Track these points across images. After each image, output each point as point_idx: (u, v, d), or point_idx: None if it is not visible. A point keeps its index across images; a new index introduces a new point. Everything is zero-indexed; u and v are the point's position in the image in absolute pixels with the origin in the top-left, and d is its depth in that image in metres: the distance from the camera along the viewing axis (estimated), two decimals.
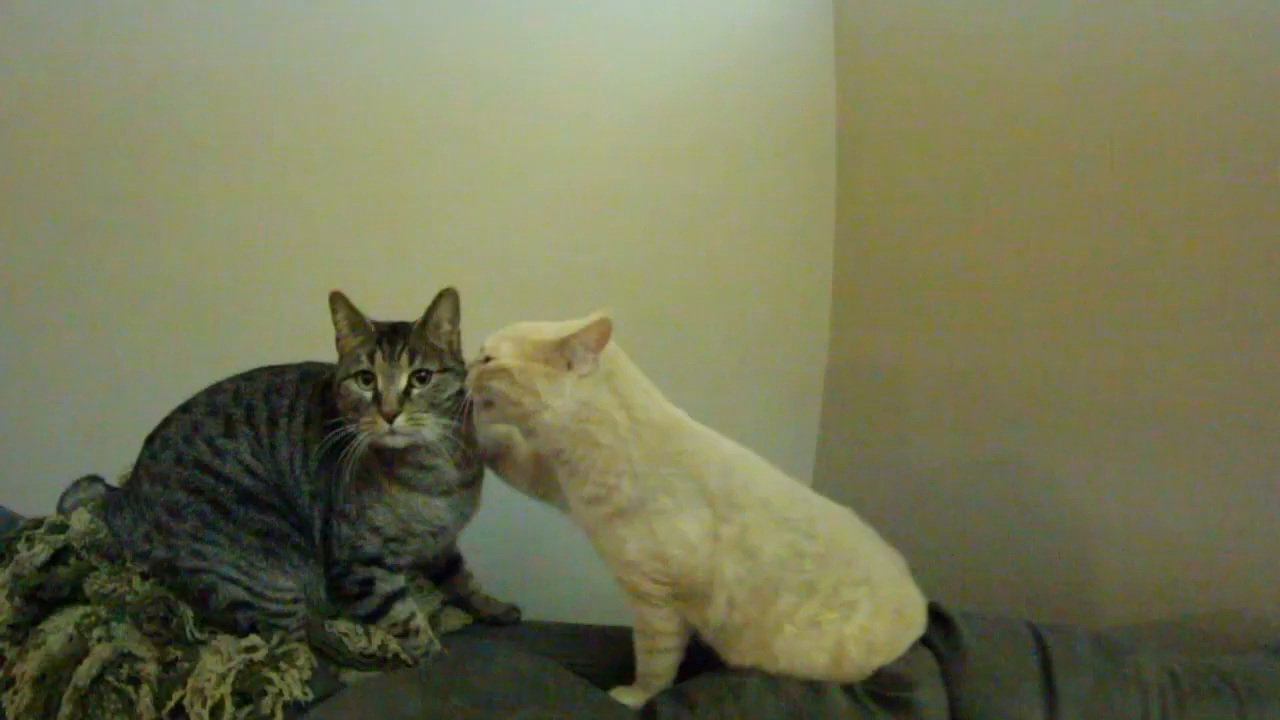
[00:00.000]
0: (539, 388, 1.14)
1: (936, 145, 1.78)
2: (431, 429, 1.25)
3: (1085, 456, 1.48)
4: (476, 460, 1.39)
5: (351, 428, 1.24)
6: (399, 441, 1.24)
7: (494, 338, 1.20)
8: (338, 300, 1.30)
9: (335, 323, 1.31)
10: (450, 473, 1.34)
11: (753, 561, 1.13)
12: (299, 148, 1.89)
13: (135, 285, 1.87)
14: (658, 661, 1.22)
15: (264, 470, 1.31)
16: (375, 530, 1.32)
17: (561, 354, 1.14)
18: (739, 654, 1.17)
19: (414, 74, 1.89)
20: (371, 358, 1.26)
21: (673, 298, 1.97)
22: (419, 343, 1.29)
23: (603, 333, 1.13)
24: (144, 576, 1.32)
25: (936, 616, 1.20)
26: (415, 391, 1.26)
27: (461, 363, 1.32)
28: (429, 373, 1.27)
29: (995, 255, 1.64)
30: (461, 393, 1.27)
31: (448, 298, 1.31)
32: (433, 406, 1.26)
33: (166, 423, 1.36)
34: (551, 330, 1.17)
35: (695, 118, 1.99)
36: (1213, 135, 1.27)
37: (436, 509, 1.34)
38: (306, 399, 1.35)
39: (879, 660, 1.14)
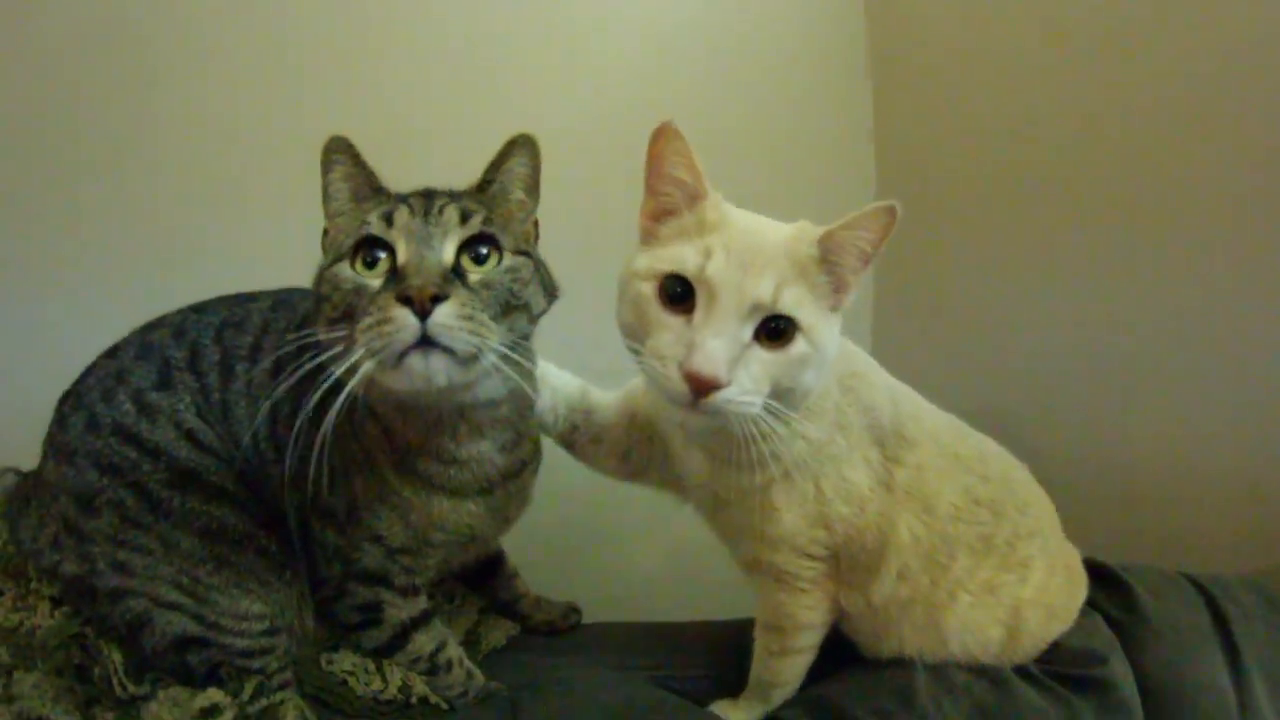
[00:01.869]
0: (824, 337, 0.78)
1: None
2: (497, 347, 0.77)
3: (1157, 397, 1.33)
4: (531, 436, 0.97)
5: (340, 355, 0.76)
6: (436, 373, 0.75)
7: (744, 261, 0.75)
8: (337, 152, 0.84)
9: (327, 194, 0.85)
10: (494, 458, 0.91)
11: (930, 515, 0.92)
12: (279, 66, 1.53)
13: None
14: (788, 666, 0.98)
15: (212, 439, 0.90)
16: (375, 539, 0.91)
17: (828, 267, 0.78)
18: (896, 640, 0.97)
19: None
20: (389, 219, 0.80)
21: None
22: (476, 202, 0.84)
23: (887, 234, 0.77)
24: (55, 602, 0.93)
25: (1094, 572, 1.07)
26: (473, 276, 0.79)
27: (546, 269, 0.90)
28: (496, 245, 0.81)
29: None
30: (544, 312, 0.86)
31: (522, 149, 0.87)
32: (503, 313, 0.80)
33: (86, 373, 0.95)
34: (781, 229, 0.80)
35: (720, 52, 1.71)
36: None
37: (467, 514, 0.93)
38: (278, 337, 0.92)
39: (1057, 629, 0.99)
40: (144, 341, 0.94)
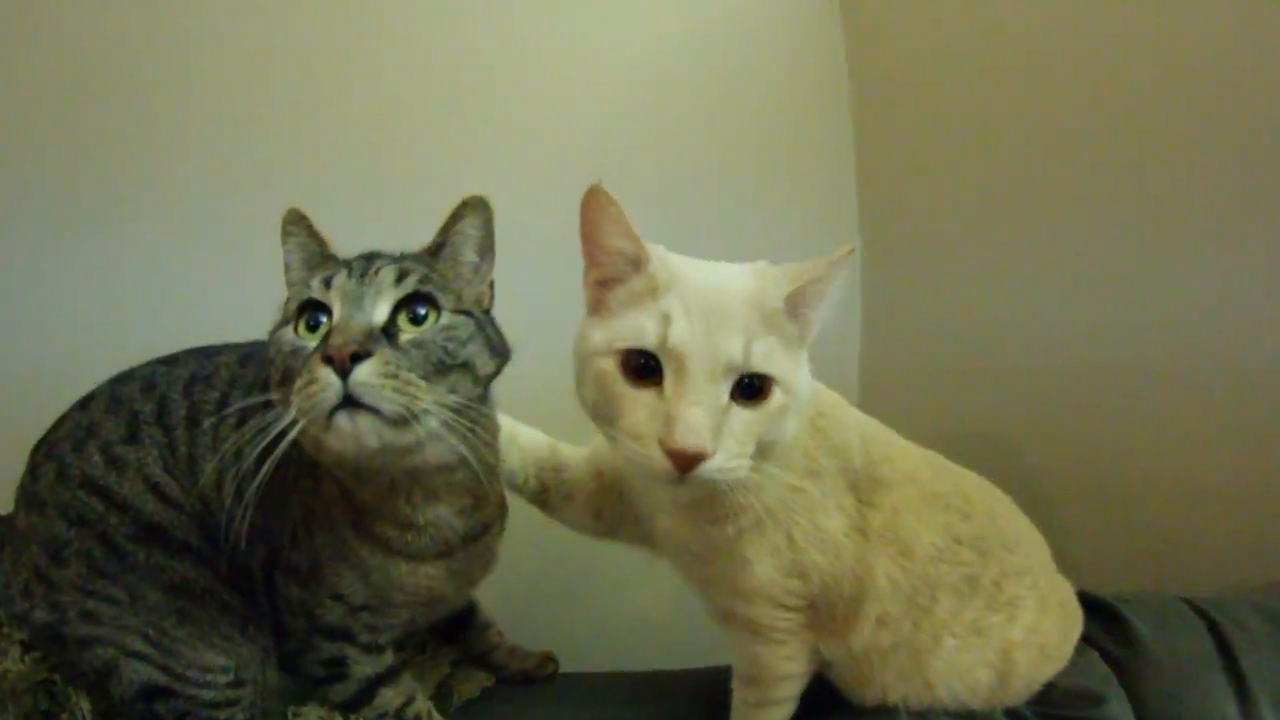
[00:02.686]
0: (799, 381, 0.74)
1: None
2: (431, 409, 0.75)
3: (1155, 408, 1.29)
4: (495, 496, 0.95)
5: (281, 409, 0.75)
6: (365, 434, 0.73)
7: (709, 323, 0.69)
8: (292, 224, 0.86)
9: (285, 263, 0.87)
10: (452, 523, 0.90)
11: (908, 559, 0.87)
12: (273, 112, 1.50)
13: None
14: (766, 717, 0.93)
15: (178, 493, 0.89)
16: (337, 597, 0.90)
17: (794, 315, 0.74)
18: (880, 687, 0.92)
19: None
20: (328, 282, 0.80)
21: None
22: (419, 264, 0.83)
23: (848, 271, 0.74)
24: (25, 647, 0.93)
25: (1088, 605, 1.03)
26: (405, 336, 0.78)
27: (496, 329, 0.88)
28: (432, 303, 0.80)
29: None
30: (494, 374, 0.84)
31: (473, 210, 0.85)
32: (438, 373, 0.77)
33: (58, 423, 0.95)
34: (737, 277, 0.76)
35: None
36: None
37: (426, 576, 0.91)
38: (244, 391, 0.91)
39: (1050, 670, 0.95)
40: (114, 394, 0.94)
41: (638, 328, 0.69)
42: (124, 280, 1.40)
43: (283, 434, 0.74)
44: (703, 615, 0.98)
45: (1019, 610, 0.93)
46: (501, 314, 0.90)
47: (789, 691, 0.93)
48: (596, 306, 0.76)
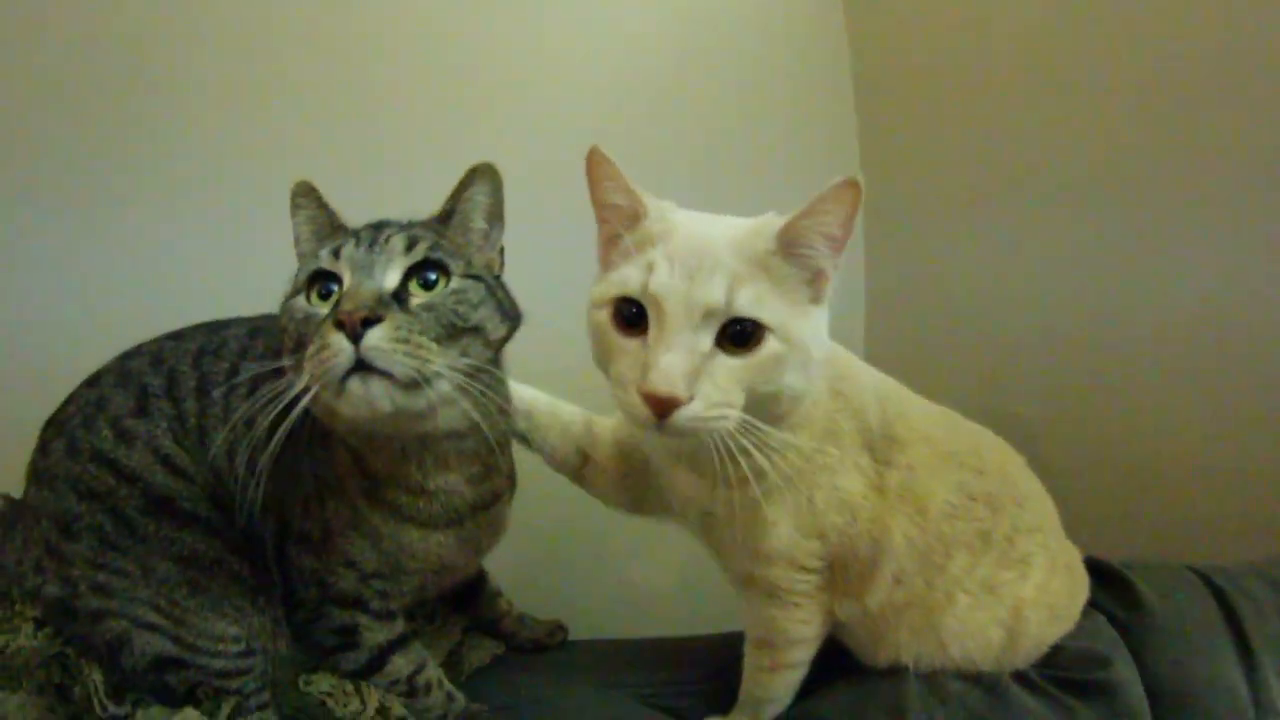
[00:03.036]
0: (802, 332, 0.70)
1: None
2: (443, 371, 0.75)
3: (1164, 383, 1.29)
4: (505, 466, 0.95)
5: (293, 376, 0.75)
6: (377, 398, 0.73)
7: (690, 267, 0.68)
8: (301, 196, 0.86)
9: (295, 236, 0.87)
10: (462, 490, 0.90)
11: (923, 517, 0.87)
12: (278, 91, 1.48)
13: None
14: (780, 681, 0.94)
15: (188, 464, 0.89)
16: (349, 564, 0.91)
17: (791, 260, 0.71)
18: (893, 646, 0.92)
19: None
20: (337, 252, 0.80)
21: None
22: (428, 231, 0.84)
23: (853, 211, 0.69)
24: (38, 623, 0.92)
25: (1095, 570, 1.03)
26: (416, 300, 0.78)
27: (507, 293, 0.88)
28: (442, 269, 0.80)
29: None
30: (505, 338, 0.85)
31: (482, 177, 0.85)
32: (449, 337, 0.77)
33: (67, 401, 0.95)
34: (739, 224, 0.74)
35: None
36: None
37: (437, 544, 0.92)
38: (256, 362, 0.91)
39: (1058, 630, 0.95)
40: (123, 369, 0.94)
41: (624, 277, 0.69)
42: (129, 261, 1.40)
43: (295, 401, 0.74)
44: (709, 584, 0.99)
45: (1030, 568, 0.93)
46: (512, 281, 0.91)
47: (802, 655, 0.93)
48: (604, 266, 0.77)
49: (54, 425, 0.94)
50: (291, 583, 0.92)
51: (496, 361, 0.85)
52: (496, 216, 0.88)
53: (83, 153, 1.37)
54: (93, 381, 0.94)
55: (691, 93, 1.62)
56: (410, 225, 0.85)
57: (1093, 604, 1.00)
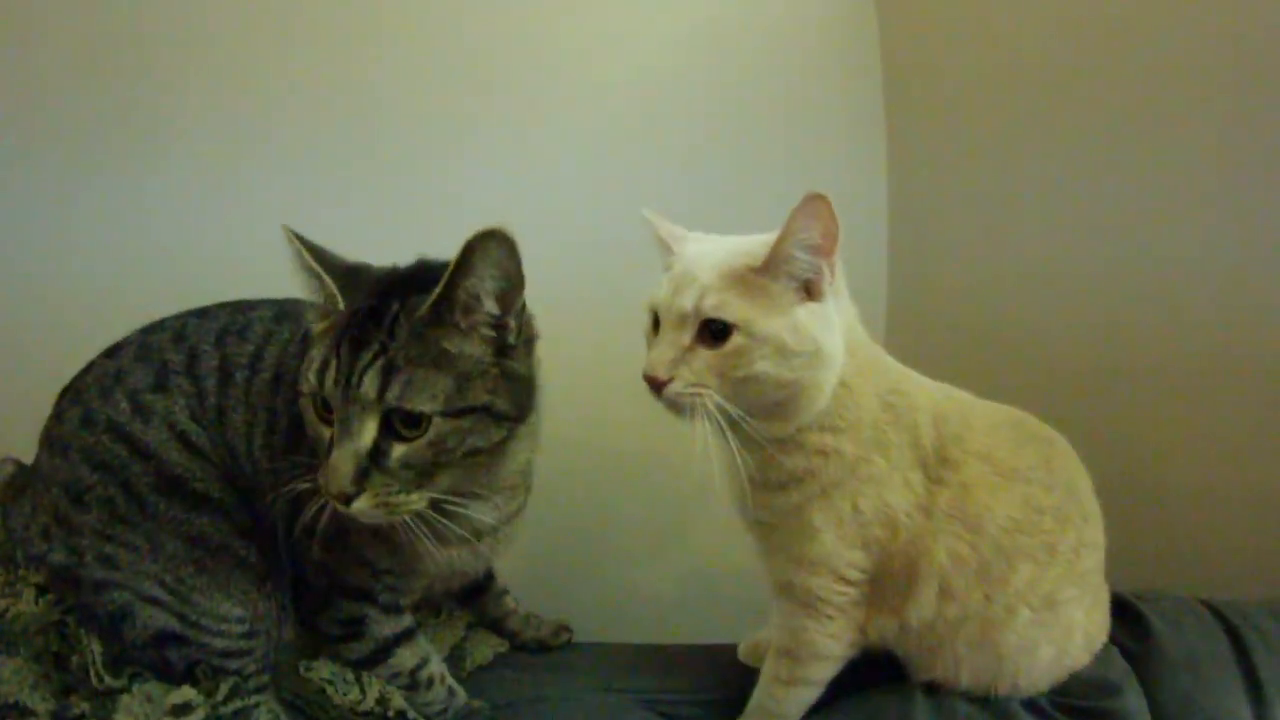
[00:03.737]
0: (772, 328, 0.81)
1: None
2: (419, 503, 0.79)
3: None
4: (526, 485, 0.95)
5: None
6: (362, 521, 0.79)
7: (677, 284, 0.83)
8: (287, 241, 0.82)
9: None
10: (484, 517, 0.89)
11: (976, 535, 0.89)
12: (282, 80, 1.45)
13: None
14: (794, 696, 0.94)
15: (205, 443, 0.88)
16: (363, 563, 0.89)
17: (778, 273, 0.82)
18: (951, 660, 0.92)
19: None
20: (323, 370, 0.77)
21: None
22: (414, 344, 0.77)
23: (829, 218, 0.79)
24: (40, 589, 0.91)
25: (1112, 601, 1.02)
26: (395, 453, 0.77)
27: (521, 379, 0.84)
28: (419, 418, 0.77)
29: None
30: (517, 420, 0.85)
31: (486, 254, 0.76)
32: (432, 469, 0.79)
33: (85, 370, 0.94)
34: (734, 245, 0.86)
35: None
36: None
37: (454, 557, 0.91)
38: (280, 349, 0.91)
39: (1086, 659, 0.95)
40: (143, 343, 0.92)
41: (651, 294, 0.86)
42: (145, 221, 1.39)
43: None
44: (712, 594, 1.00)
45: (1087, 586, 0.94)
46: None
47: (822, 674, 0.93)
48: None
49: (70, 393, 0.92)
50: (301, 570, 0.90)
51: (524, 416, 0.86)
52: (513, 286, 0.81)
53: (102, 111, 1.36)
54: (112, 353, 0.93)
55: (720, 91, 1.59)
56: (390, 339, 0.77)
57: None
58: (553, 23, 1.50)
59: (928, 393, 0.93)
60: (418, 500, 0.78)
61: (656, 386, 0.81)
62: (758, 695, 0.95)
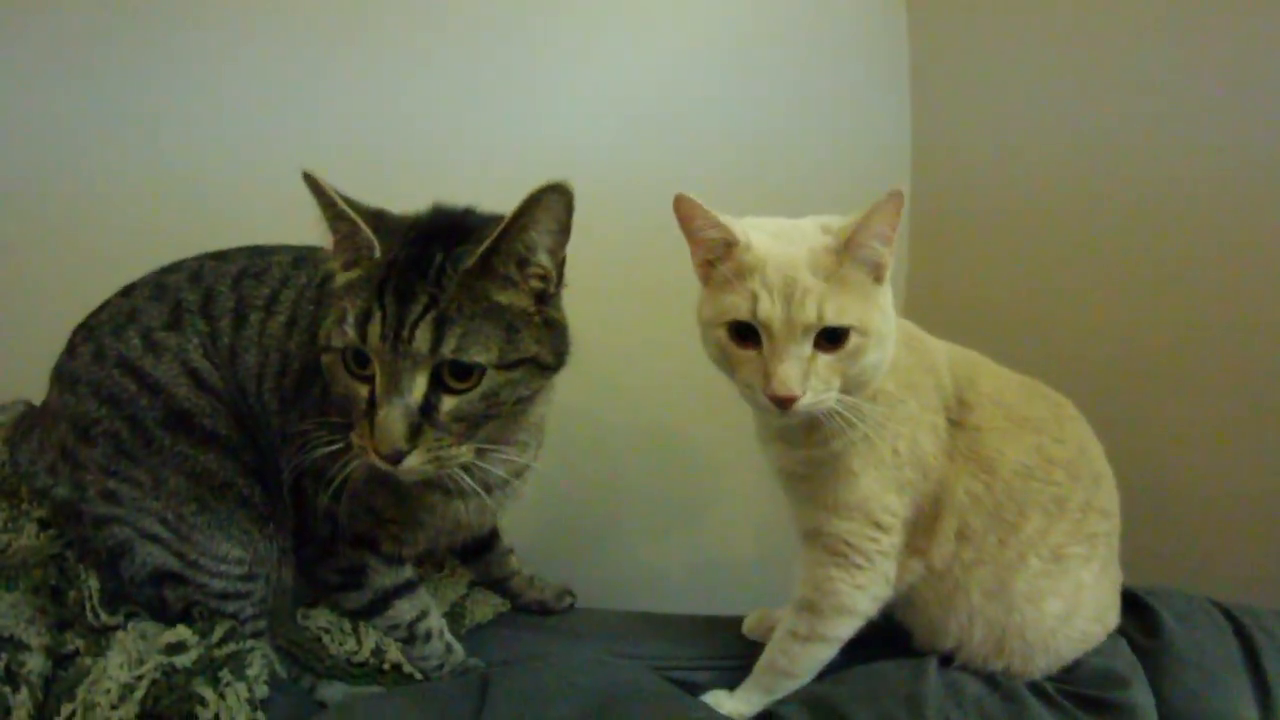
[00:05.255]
0: (873, 319, 0.84)
1: None
2: (468, 455, 0.77)
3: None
4: (538, 441, 0.93)
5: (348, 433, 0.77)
6: (409, 478, 0.78)
7: (785, 293, 0.81)
8: (311, 188, 0.77)
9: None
10: (496, 471, 0.86)
11: (990, 475, 0.91)
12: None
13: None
14: (809, 654, 0.93)
15: (215, 381, 0.86)
16: (369, 510, 0.87)
17: (856, 259, 0.84)
18: (964, 612, 0.93)
19: None
20: (363, 323, 0.74)
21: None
22: (464, 296, 0.75)
23: (900, 212, 0.82)
24: (43, 525, 0.91)
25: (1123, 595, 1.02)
26: (445, 406, 0.74)
27: (557, 327, 0.83)
28: (475, 368, 0.74)
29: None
30: (557, 366, 0.83)
31: (553, 200, 0.75)
32: (482, 421, 0.77)
33: (100, 308, 0.92)
34: (805, 236, 0.86)
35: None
36: None
37: (460, 509, 0.89)
38: (296, 293, 0.89)
39: (1097, 634, 0.95)
40: (159, 283, 0.91)
41: (734, 305, 0.82)
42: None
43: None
44: (716, 568, 1.02)
45: (1095, 550, 0.94)
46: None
47: (842, 630, 0.92)
48: (706, 280, 0.87)
49: (84, 330, 0.91)
50: (304, 515, 0.88)
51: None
52: (563, 240, 0.79)
53: None
54: (127, 291, 0.92)
55: (748, 93, 1.56)
56: (441, 270, 0.75)
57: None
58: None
59: (940, 342, 0.98)
60: (467, 452, 0.76)
61: (787, 404, 0.81)
62: (769, 653, 0.94)
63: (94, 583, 0.87)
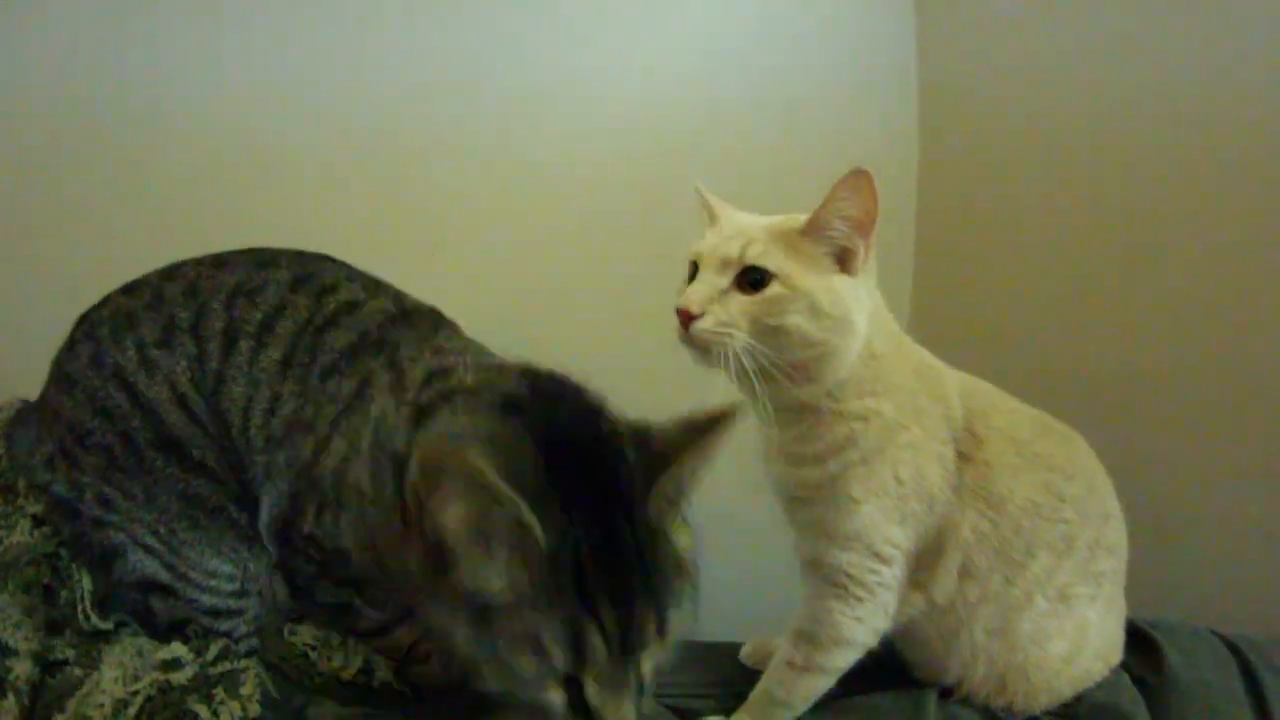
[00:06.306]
0: (810, 285, 0.83)
1: None
2: None
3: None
4: None
5: None
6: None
7: (724, 235, 0.87)
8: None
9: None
10: None
11: (998, 513, 0.89)
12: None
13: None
14: (805, 685, 0.90)
15: (201, 409, 0.85)
16: (343, 556, 0.83)
17: (818, 238, 0.85)
18: (967, 650, 0.91)
19: None
20: (580, 651, 0.66)
21: None
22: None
23: (869, 195, 0.82)
24: (37, 521, 0.90)
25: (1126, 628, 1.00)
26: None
27: None
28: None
29: None
30: None
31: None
32: None
33: (101, 304, 0.90)
34: (780, 217, 0.89)
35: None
36: None
37: None
38: (295, 323, 0.85)
39: (1100, 671, 0.94)
40: (158, 289, 0.88)
41: (693, 246, 0.88)
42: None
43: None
44: (722, 591, 0.97)
45: (1101, 589, 0.93)
46: None
47: (839, 662, 0.89)
48: None
49: (85, 324, 0.89)
50: (285, 555, 0.87)
51: None
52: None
53: None
54: (130, 290, 0.90)
55: (761, 101, 1.58)
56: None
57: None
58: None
59: (953, 372, 0.95)
60: None
61: (684, 319, 0.81)
62: (765, 682, 0.92)
63: (87, 583, 0.86)
